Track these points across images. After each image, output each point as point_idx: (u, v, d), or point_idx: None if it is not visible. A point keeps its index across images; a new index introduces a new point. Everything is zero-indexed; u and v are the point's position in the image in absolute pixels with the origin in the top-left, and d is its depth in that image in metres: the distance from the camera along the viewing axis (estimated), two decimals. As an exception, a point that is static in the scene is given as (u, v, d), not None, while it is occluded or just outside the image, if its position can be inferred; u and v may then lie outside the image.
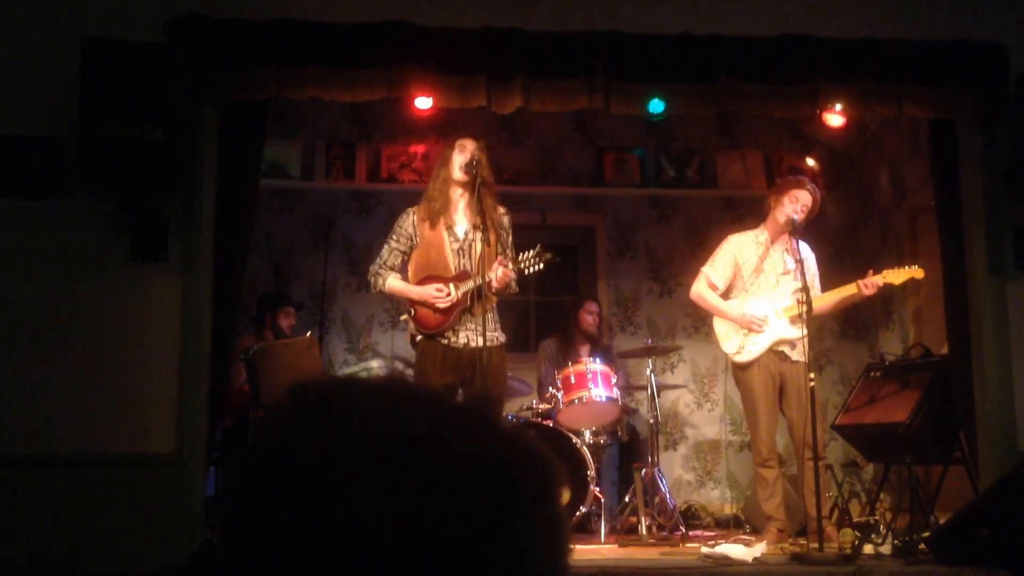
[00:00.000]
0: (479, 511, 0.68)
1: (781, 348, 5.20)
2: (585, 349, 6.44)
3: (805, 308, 4.80)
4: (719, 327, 5.35)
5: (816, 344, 4.99)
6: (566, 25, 4.73)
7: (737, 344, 5.24)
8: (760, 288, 5.28)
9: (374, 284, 4.90)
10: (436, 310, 4.74)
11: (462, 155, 4.79)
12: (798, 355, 5.12)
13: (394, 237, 4.90)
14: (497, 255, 4.75)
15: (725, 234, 5.54)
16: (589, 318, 6.59)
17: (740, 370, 5.27)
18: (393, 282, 4.86)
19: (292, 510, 0.67)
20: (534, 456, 0.73)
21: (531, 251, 4.79)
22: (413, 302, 4.81)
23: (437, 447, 0.69)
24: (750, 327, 5.20)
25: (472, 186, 4.73)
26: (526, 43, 4.65)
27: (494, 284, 4.66)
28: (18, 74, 4.50)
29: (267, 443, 0.72)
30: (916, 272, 5.25)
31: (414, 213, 4.90)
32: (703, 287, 5.38)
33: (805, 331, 4.83)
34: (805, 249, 5.30)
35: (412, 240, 4.87)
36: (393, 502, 0.66)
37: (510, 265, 4.71)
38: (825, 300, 5.28)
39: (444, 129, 5.09)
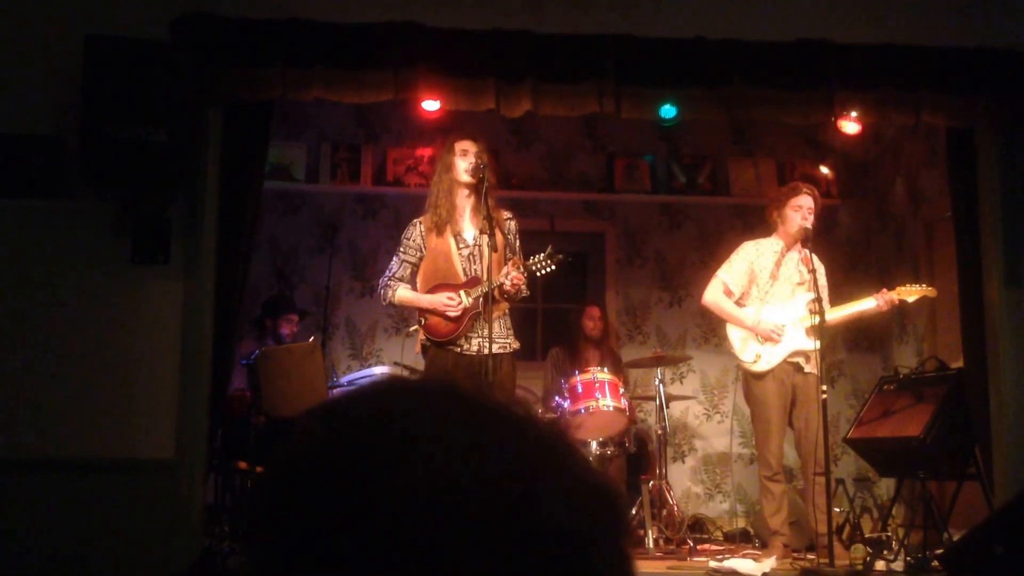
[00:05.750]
0: (556, 555, 0.63)
1: (796, 359, 5.10)
2: (594, 357, 6.35)
3: (817, 319, 4.73)
4: (734, 335, 5.23)
5: (828, 356, 4.90)
6: (577, 27, 4.66)
7: (753, 353, 5.13)
8: (775, 297, 5.18)
9: (384, 296, 4.83)
10: (447, 318, 4.67)
11: (464, 159, 4.69)
12: (811, 367, 5.03)
13: (402, 249, 4.82)
14: (506, 258, 4.68)
15: (737, 242, 5.44)
16: (590, 323, 6.53)
17: (754, 380, 5.16)
18: (403, 293, 4.77)
19: (341, 547, 0.61)
20: (611, 494, 0.69)
21: (542, 253, 4.73)
22: (423, 311, 4.73)
23: (515, 491, 0.63)
24: (768, 336, 5.09)
25: (478, 190, 4.66)
26: (536, 45, 4.59)
27: (506, 287, 4.58)
28: (20, 72, 4.44)
29: (313, 467, 0.64)
30: (929, 291, 5.18)
31: (420, 223, 4.82)
32: (718, 293, 5.26)
33: (818, 343, 4.75)
34: (816, 261, 5.20)
35: (421, 251, 4.80)
36: (464, 547, 0.61)
37: (521, 267, 4.63)
38: (842, 313, 5.19)
39: (451, 132, 5.02)
